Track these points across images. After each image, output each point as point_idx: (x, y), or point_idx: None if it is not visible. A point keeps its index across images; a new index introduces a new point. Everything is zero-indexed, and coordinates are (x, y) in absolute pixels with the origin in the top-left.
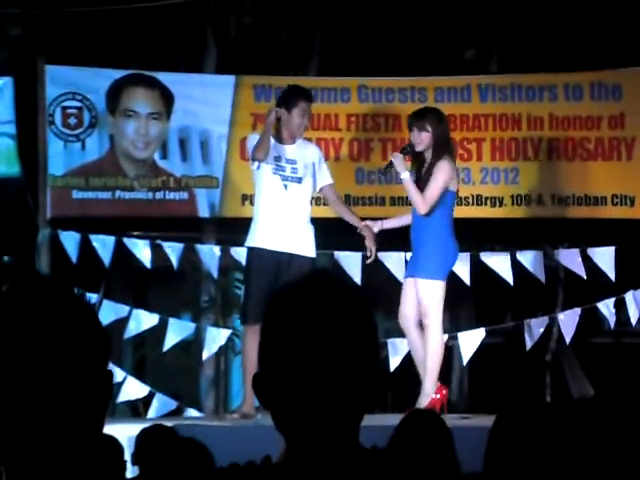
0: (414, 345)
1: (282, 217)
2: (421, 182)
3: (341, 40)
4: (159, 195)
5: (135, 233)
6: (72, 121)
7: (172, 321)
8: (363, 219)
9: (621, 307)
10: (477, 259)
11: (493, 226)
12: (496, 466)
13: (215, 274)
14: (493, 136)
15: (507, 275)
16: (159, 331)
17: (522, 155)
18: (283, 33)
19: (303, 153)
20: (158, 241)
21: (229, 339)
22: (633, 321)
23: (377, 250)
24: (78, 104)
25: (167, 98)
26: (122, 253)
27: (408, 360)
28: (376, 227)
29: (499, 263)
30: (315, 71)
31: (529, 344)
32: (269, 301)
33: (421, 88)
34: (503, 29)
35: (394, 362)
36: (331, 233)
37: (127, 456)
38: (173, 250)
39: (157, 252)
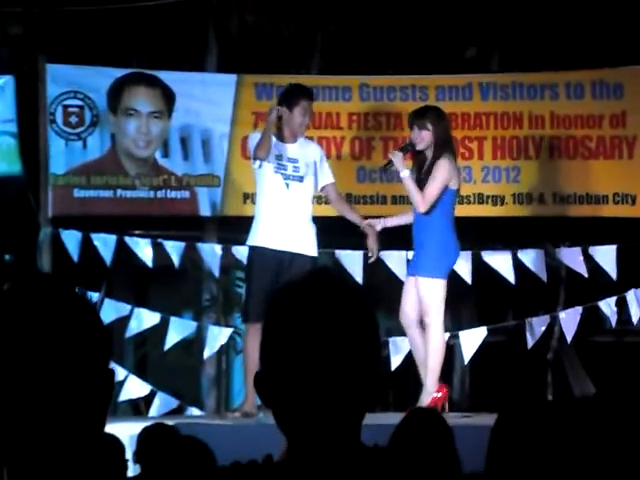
0: (415, 344)
1: (283, 216)
2: (422, 181)
3: (343, 39)
4: (160, 194)
5: (136, 232)
6: (73, 120)
7: (173, 320)
8: (365, 218)
9: (622, 306)
10: (478, 258)
11: (494, 225)
12: (498, 465)
13: (216, 273)
14: (494, 135)
15: (508, 274)
16: (160, 330)
17: (523, 154)
18: (285, 32)
19: (305, 152)
20: (159, 240)
21: (230, 338)
22: (634, 320)
23: (379, 249)
24: (79, 103)
25: (168, 97)
26: (123, 252)
27: (409, 359)
28: (378, 225)
29: (500, 262)
30: (317, 70)
31: (530, 343)
32: (270, 300)
33: (422, 87)
34: (504, 28)
35: (395, 361)
36: (332, 232)
37: (128, 455)
38: (174, 249)
39: (158, 251)
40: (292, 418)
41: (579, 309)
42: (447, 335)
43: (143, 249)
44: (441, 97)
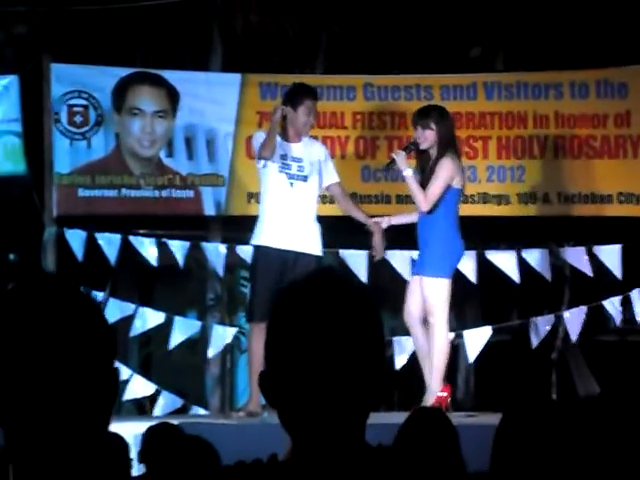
0: (418, 343)
1: (288, 215)
2: (426, 180)
3: (347, 38)
4: (165, 193)
5: (141, 231)
6: (78, 119)
7: (178, 319)
8: (369, 217)
9: (627, 305)
10: (483, 257)
11: (499, 224)
12: (503, 464)
13: (221, 272)
14: (499, 134)
15: (513, 273)
16: (165, 329)
17: (528, 153)
18: (289, 31)
19: (309, 151)
20: (164, 239)
21: (235, 337)
22: (639, 319)
23: (385, 247)
24: (84, 102)
25: (173, 96)
26: (128, 251)
27: (414, 358)
28: (384, 223)
29: (505, 261)
30: (321, 69)
31: (535, 342)
32: (275, 299)
33: (427, 86)
34: (509, 27)
35: (400, 360)
36: (337, 231)
37: (133, 454)
38: (179, 248)
39: (163, 250)
40: (297, 418)
41: (584, 308)
42: (452, 335)
43: (147, 248)
44: (446, 96)
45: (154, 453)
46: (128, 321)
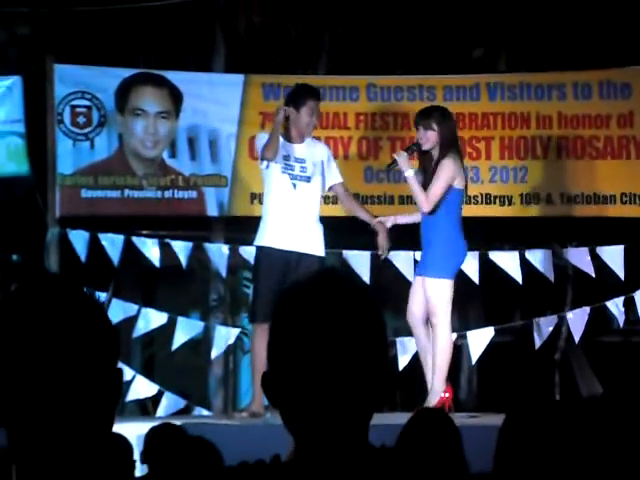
0: (421, 344)
1: (291, 216)
2: (428, 180)
3: (350, 39)
4: (168, 194)
5: (144, 232)
6: (81, 120)
7: (181, 320)
8: (373, 217)
9: (630, 306)
10: (486, 258)
11: (502, 225)
12: (506, 465)
13: (224, 273)
14: (502, 135)
15: (516, 274)
16: (168, 330)
17: (531, 154)
18: (292, 32)
19: (312, 152)
20: (167, 240)
21: (238, 338)
22: None
23: (390, 246)
24: (87, 103)
25: (176, 97)
26: (131, 252)
27: (417, 359)
28: (389, 222)
29: (508, 262)
30: (324, 70)
31: (538, 343)
32: (278, 300)
33: (430, 87)
34: (511, 28)
35: (403, 361)
36: (340, 232)
37: (136, 455)
38: (182, 249)
39: (166, 251)
40: (299, 418)
41: (587, 309)
42: (454, 335)
43: (150, 249)
44: (448, 97)
45: (157, 454)
46: (131, 322)
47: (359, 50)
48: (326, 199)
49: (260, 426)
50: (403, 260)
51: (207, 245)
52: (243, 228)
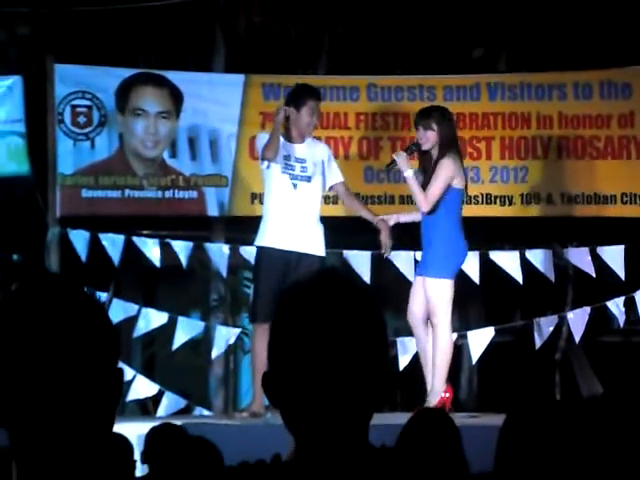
0: (421, 344)
1: (291, 216)
2: (428, 180)
3: (350, 39)
4: (168, 194)
5: (144, 232)
6: (81, 120)
7: (181, 320)
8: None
9: (631, 306)
10: (486, 258)
11: (502, 225)
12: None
13: (224, 273)
14: (502, 135)
15: (516, 274)
16: (168, 330)
17: (531, 154)
18: (292, 32)
19: (312, 152)
20: (167, 240)
21: (238, 338)
22: None
23: (393, 244)
24: (87, 103)
25: (176, 97)
26: (131, 252)
27: (417, 359)
28: (392, 220)
29: (508, 262)
30: (324, 70)
31: (538, 343)
32: (278, 300)
33: (430, 87)
34: (512, 28)
35: (403, 361)
36: (340, 232)
37: (137, 455)
38: (182, 249)
39: (166, 251)
40: (300, 418)
41: (587, 309)
42: (455, 335)
43: (151, 249)
44: (449, 97)
45: (157, 454)
46: (131, 321)
47: (359, 50)
48: (326, 199)
49: (260, 426)
50: (404, 260)
51: (207, 245)
52: (243, 228)
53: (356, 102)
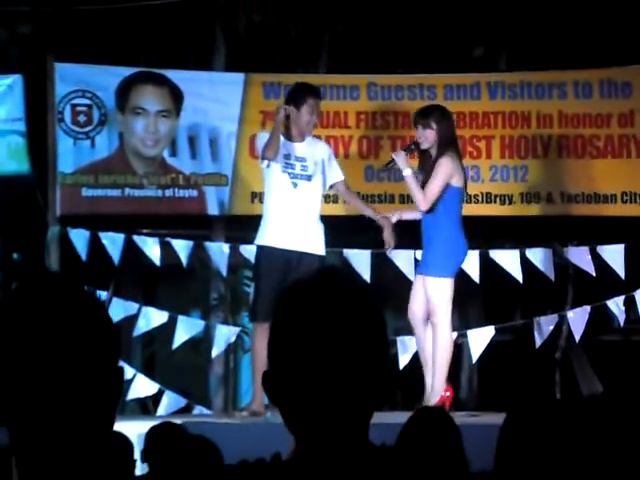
0: (421, 344)
1: (291, 215)
2: (427, 179)
3: (350, 38)
4: (168, 193)
5: (144, 231)
6: (82, 119)
7: (181, 319)
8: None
9: (631, 305)
10: (486, 257)
11: (502, 224)
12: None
13: (224, 272)
14: (502, 134)
15: (516, 273)
16: (168, 329)
17: (531, 153)
18: (292, 31)
19: (312, 150)
20: (167, 239)
21: (238, 337)
22: None
23: (396, 240)
24: (88, 102)
25: (176, 96)
26: (131, 251)
27: (417, 358)
28: (394, 217)
29: (508, 261)
30: (324, 69)
31: (539, 342)
32: (278, 299)
33: (430, 85)
34: (512, 27)
35: (403, 360)
36: (340, 231)
37: (137, 454)
38: (182, 248)
39: (166, 250)
40: (300, 417)
41: (587, 308)
42: (455, 334)
43: (151, 248)
44: (449, 96)
45: (157, 452)
46: (131, 320)
47: (360, 49)
48: (327, 198)
49: (260, 425)
50: (404, 259)
51: (208, 244)
52: (244, 227)
53: (356, 101)
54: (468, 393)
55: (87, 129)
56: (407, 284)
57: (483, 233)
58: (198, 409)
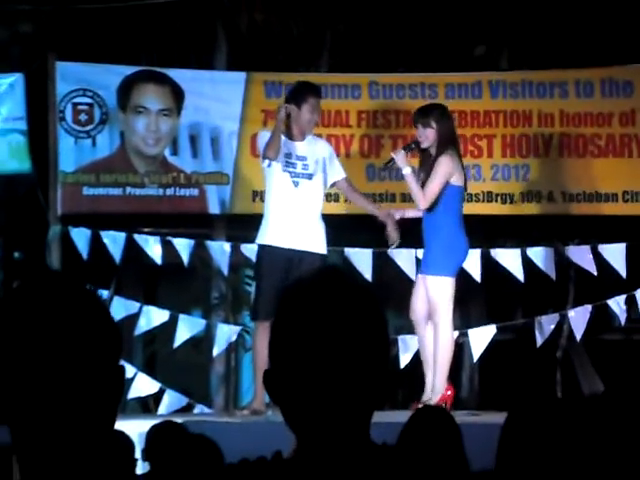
0: (422, 343)
1: (293, 214)
2: (427, 178)
3: (351, 37)
4: (169, 191)
5: (146, 229)
6: (83, 117)
7: (182, 317)
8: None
9: (632, 304)
10: (488, 255)
11: (504, 222)
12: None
13: (225, 271)
14: (504, 132)
15: (518, 272)
16: (169, 327)
17: (533, 152)
18: (294, 30)
19: (313, 149)
20: (168, 237)
21: (239, 336)
22: None
23: (399, 236)
24: (89, 100)
25: (178, 94)
26: (133, 249)
27: (418, 357)
28: (398, 214)
29: (510, 260)
30: (326, 67)
31: (540, 341)
32: (280, 298)
33: (432, 84)
34: (513, 25)
35: (404, 359)
36: (342, 230)
37: (138, 452)
38: (183, 247)
39: (167, 248)
40: (301, 416)
41: (588, 307)
42: (456, 333)
43: (152, 247)
44: (450, 95)
45: (158, 451)
46: (133, 319)
47: (361, 48)
48: (328, 196)
49: (262, 424)
50: (405, 258)
51: (209, 243)
52: (245, 226)
53: (358, 100)
54: (469, 392)
55: (88, 128)
56: (408, 283)
57: (484, 232)
58: (199, 408)
